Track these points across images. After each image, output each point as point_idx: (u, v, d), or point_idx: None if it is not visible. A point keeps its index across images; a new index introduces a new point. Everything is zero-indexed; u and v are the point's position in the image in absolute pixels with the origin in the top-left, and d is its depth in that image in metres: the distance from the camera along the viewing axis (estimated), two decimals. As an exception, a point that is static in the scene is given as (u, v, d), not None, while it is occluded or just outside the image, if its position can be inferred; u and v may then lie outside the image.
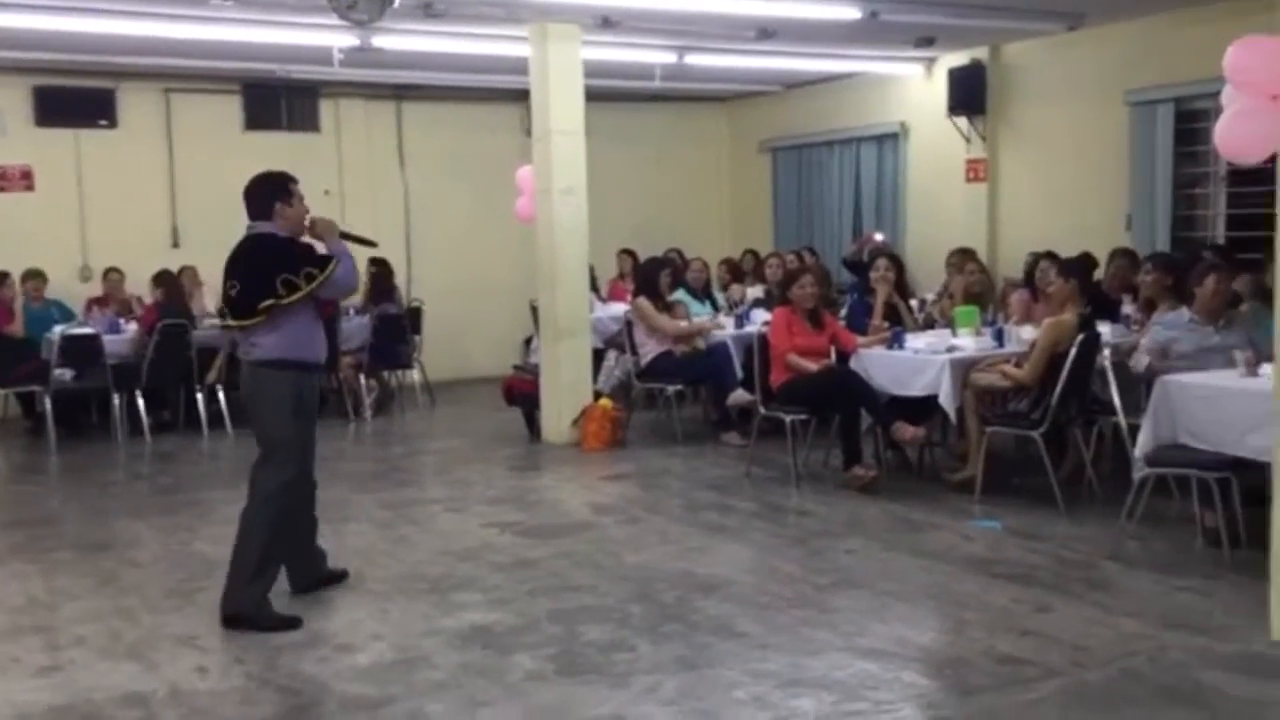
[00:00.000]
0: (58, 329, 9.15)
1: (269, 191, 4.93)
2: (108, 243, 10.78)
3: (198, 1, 7.36)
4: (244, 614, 4.70)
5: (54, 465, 8.51)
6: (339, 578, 5.28)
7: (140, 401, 9.25)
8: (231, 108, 11.37)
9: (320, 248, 4.95)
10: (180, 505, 7.05)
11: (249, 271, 4.82)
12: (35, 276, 9.91)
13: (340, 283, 4.91)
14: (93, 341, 9.08)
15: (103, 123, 10.78)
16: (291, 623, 4.71)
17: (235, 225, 12.10)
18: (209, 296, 10.48)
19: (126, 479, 8.16)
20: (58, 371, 8.97)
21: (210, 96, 11.19)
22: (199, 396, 9.46)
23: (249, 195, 4.96)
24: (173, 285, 9.65)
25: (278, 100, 11.50)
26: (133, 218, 10.91)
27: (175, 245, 11.07)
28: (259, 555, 4.77)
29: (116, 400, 9.21)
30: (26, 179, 10.45)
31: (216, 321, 9.86)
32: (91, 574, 5.60)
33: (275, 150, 11.39)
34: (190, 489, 7.56)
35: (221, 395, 9.49)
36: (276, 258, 4.80)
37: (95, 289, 10.52)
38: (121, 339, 9.36)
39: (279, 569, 4.92)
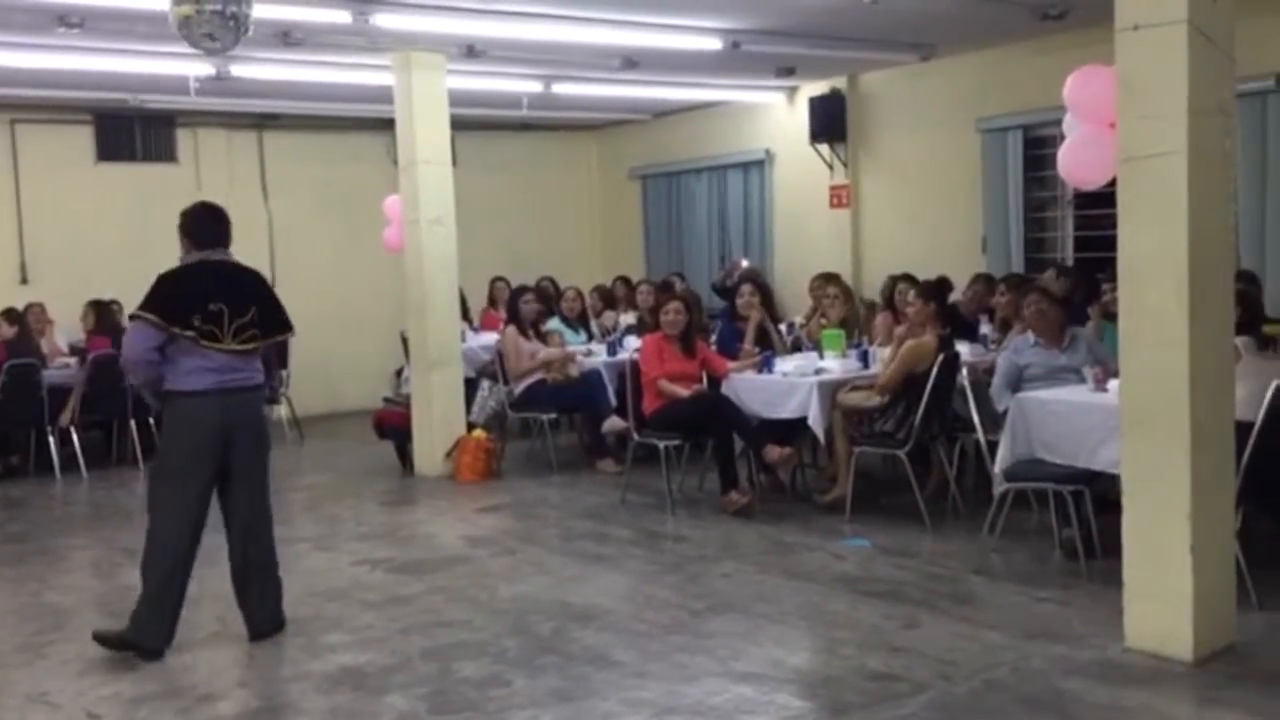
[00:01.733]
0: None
1: (227, 223, 5.00)
2: (-49, 280, 10.28)
3: (42, 29, 7.08)
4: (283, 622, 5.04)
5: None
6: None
7: (-14, 446, 8.81)
8: (83, 138, 10.98)
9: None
10: (30, 554, 6.71)
11: (259, 296, 4.96)
12: None
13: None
14: (-67, 384, 8.61)
15: (-58, 154, 10.29)
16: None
17: (87, 259, 11.75)
18: (59, 335, 10.07)
19: (-28, 528, 7.75)
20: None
21: (60, 127, 10.78)
22: (51, 439, 9.05)
23: (225, 224, 4.98)
24: (23, 324, 9.24)
25: (132, 130, 11.15)
26: None
27: (24, 281, 10.60)
28: (275, 564, 5.12)
29: (-39, 446, 8.75)
30: None
31: (69, 360, 9.50)
32: (-69, 631, 5.30)
33: (130, 182, 11.12)
34: (41, 536, 7.20)
35: (75, 437, 9.10)
36: (266, 283, 5.10)
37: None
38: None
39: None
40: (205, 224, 4.93)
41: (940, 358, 6.32)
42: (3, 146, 10.61)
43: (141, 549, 4.82)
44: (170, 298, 4.74)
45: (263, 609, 5.01)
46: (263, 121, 11.65)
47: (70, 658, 4.82)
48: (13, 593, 5.90)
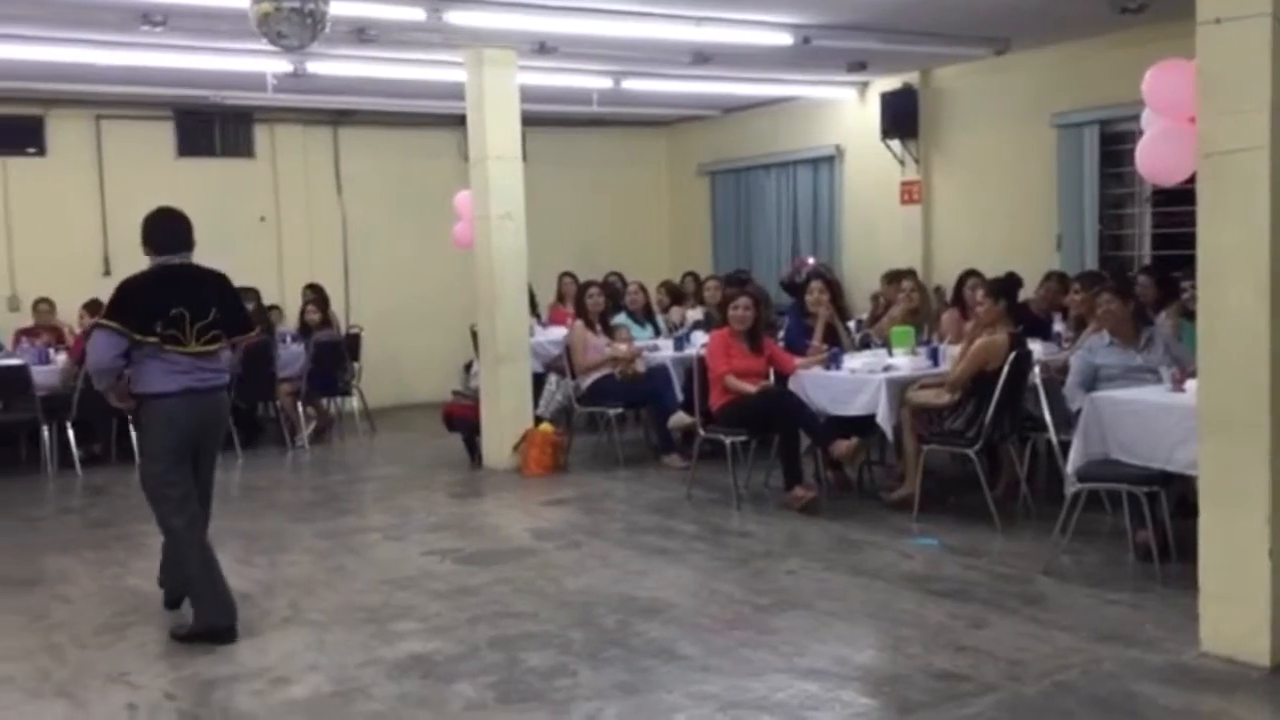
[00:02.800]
0: (-15, 361, 8.95)
1: (190, 229, 5.14)
2: (37, 272, 10.58)
3: (127, 28, 7.27)
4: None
5: (20, 500, 8.30)
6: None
7: (70, 433, 9.06)
8: (164, 134, 11.24)
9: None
10: (111, 539, 6.90)
11: (222, 296, 5.12)
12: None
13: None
14: (21, 373, 8.88)
15: (31, 150, 10.62)
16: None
17: (167, 253, 11.83)
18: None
19: (56, 513, 7.98)
20: (-19, 404, 8.77)
21: (142, 123, 11.06)
22: (130, 428, 9.28)
23: (187, 228, 5.11)
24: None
25: (211, 126, 11.40)
26: (63, 246, 10.72)
27: (107, 273, 10.84)
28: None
29: (46, 432, 9.01)
30: (-49, 208, 10.25)
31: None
32: (19, 611, 5.47)
33: (209, 177, 11.36)
34: (121, 522, 7.39)
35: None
36: (230, 285, 5.25)
37: (24, 319, 10.31)
38: (51, 370, 9.16)
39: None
40: (164, 229, 5.04)
41: (1012, 355, 6.24)
42: (88, 141, 10.91)
43: (162, 549, 5.12)
44: (132, 306, 4.86)
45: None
46: (338, 118, 11.84)
47: (148, 640, 4.96)
48: (94, 576, 6.07)
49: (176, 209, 5.17)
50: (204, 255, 11.96)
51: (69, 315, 10.00)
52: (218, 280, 5.18)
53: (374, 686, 4.34)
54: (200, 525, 5.03)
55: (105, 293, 10.04)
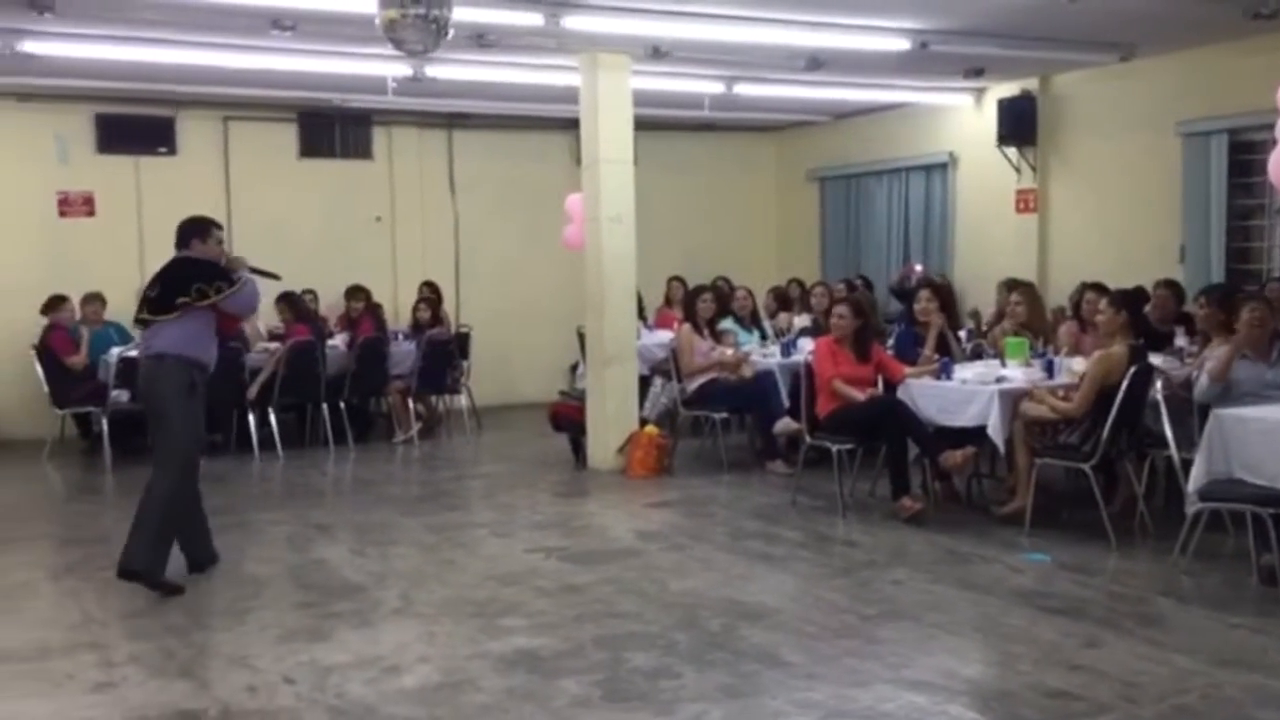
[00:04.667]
0: (114, 351, 9.32)
1: (190, 230, 5.89)
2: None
3: (257, 32, 7.52)
4: (141, 571, 5.45)
5: (109, 485, 8.65)
6: (215, 558, 6.06)
7: (194, 423, 9.38)
8: (287, 135, 11.59)
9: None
10: (231, 526, 7.12)
11: (171, 279, 5.73)
12: (94, 300, 10.10)
13: (241, 301, 5.83)
14: (148, 363, 9.23)
15: (162, 150, 11.02)
16: (176, 589, 5.52)
17: (287, 250, 12.40)
18: (259, 321, 10.66)
19: (179, 499, 8.27)
20: (114, 393, 9.12)
21: (267, 124, 11.42)
22: (250, 418, 9.60)
23: (178, 231, 5.91)
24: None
25: (332, 128, 11.72)
26: None
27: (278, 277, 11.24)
28: (159, 520, 5.54)
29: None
30: (88, 205, 10.69)
31: (269, 345, 10.08)
32: (144, 593, 5.65)
33: (328, 177, 11.69)
34: (240, 510, 7.65)
35: (272, 418, 9.63)
36: (197, 272, 5.72)
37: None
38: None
39: (173, 537, 5.68)
40: (178, 232, 5.93)
41: (1133, 369, 6.08)
42: (215, 142, 11.30)
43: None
44: None
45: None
46: (452, 121, 12.07)
47: (268, 624, 5.12)
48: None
49: (190, 216, 5.98)
50: (320, 253, 12.43)
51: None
52: (180, 264, 5.81)
53: (482, 679, 4.42)
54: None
55: (228, 288, 10.45)
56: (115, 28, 7.61)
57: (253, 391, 9.55)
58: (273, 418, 9.65)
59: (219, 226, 6.04)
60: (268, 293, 10.33)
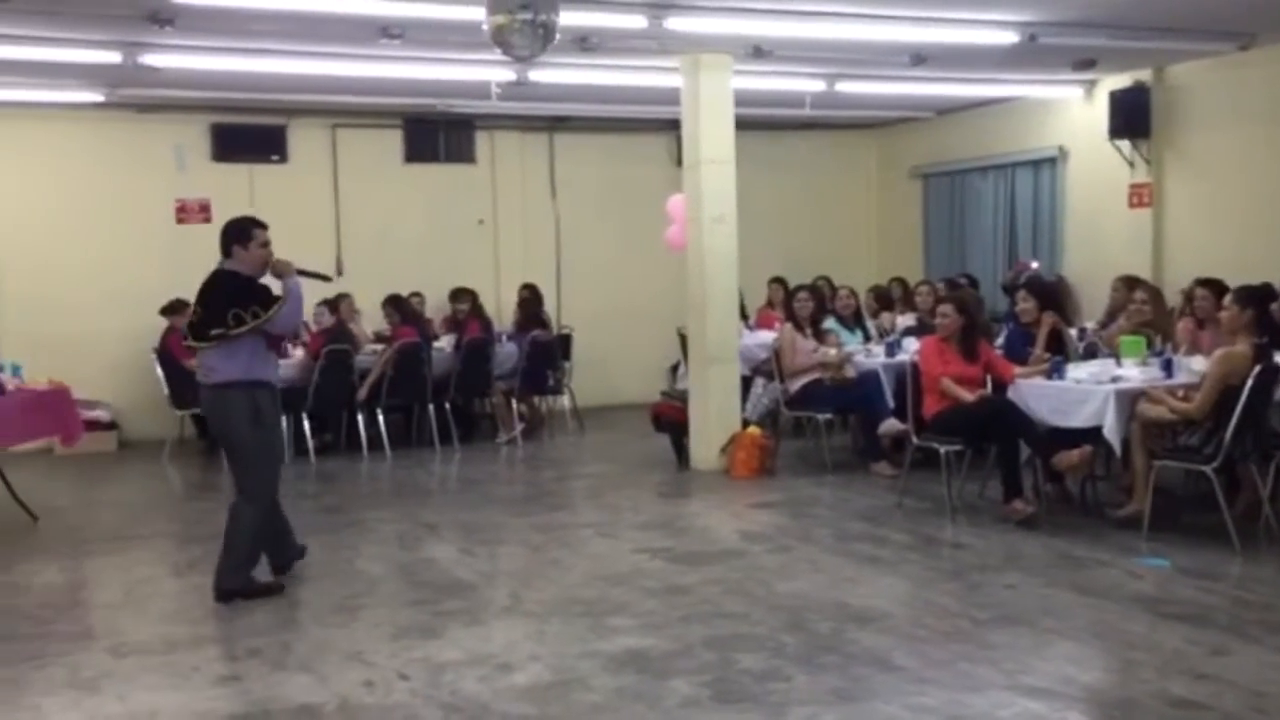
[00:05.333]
0: (230, 354, 9.57)
1: (231, 235, 5.64)
2: (277, 270, 11.28)
3: (366, 41, 7.68)
4: (237, 591, 5.54)
5: (226, 484, 8.85)
6: (303, 551, 6.12)
7: (306, 424, 9.64)
8: (393, 141, 11.82)
9: (278, 288, 5.64)
10: (343, 524, 7.31)
11: (210, 302, 5.52)
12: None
13: (282, 323, 5.61)
14: (263, 366, 9.48)
15: (274, 157, 11.33)
16: (277, 588, 5.69)
17: (393, 253, 12.60)
18: (366, 323, 10.91)
19: (294, 498, 8.37)
20: (229, 394, 9.37)
21: (373, 131, 11.66)
22: (359, 419, 9.81)
23: (221, 237, 5.68)
24: (338, 313, 10.08)
25: (436, 133, 11.92)
26: (301, 247, 11.14)
27: (340, 274, 11.50)
28: (248, 544, 5.62)
29: (284, 422, 9.59)
30: (204, 211, 11.03)
31: (376, 347, 10.30)
32: (263, 588, 5.85)
33: (433, 182, 11.89)
34: (352, 508, 7.83)
35: (380, 418, 9.82)
36: (233, 294, 5.49)
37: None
38: (290, 364, 9.75)
39: (260, 552, 5.76)
40: (221, 239, 5.68)
41: (1257, 369, 5.86)
42: (324, 148, 11.57)
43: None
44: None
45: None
46: (554, 124, 12.18)
47: (381, 621, 5.23)
48: (329, 559, 6.42)
49: (236, 217, 5.76)
50: (425, 256, 12.64)
51: (305, 313, 10.57)
52: (208, 286, 5.60)
53: (592, 678, 4.45)
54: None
55: (336, 293, 10.75)
56: (231, 40, 7.85)
57: (362, 393, 9.76)
58: (380, 418, 9.85)
59: (262, 226, 5.71)
60: (382, 290, 10.75)
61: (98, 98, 9.71)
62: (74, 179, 10.51)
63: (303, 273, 5.76)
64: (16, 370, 7.97)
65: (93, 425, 9.97)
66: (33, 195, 10.55)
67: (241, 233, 5.62)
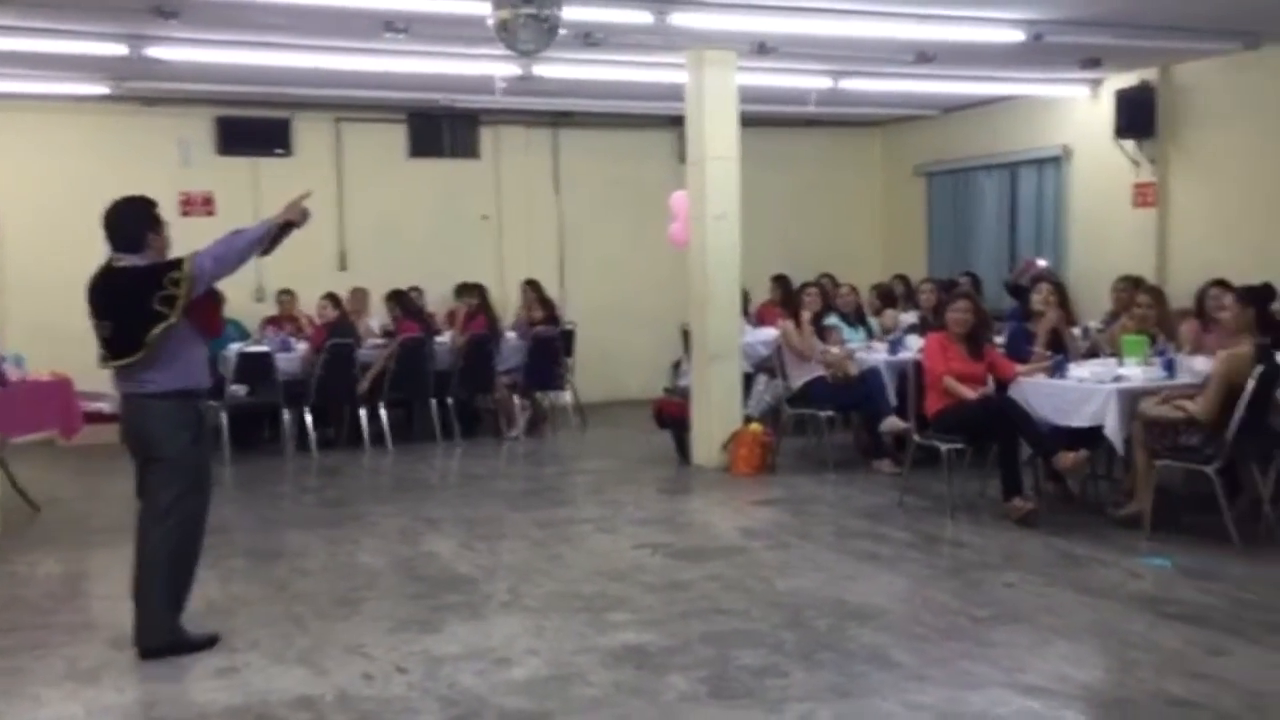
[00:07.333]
0: (233, 347, 9.61)
1: (142, 223, 4.74)
2: (281, 265, 11.18)
3: (371, 35, 7.68)
4: (166, 647, 4.68)
5: (228, 477, 8.91)
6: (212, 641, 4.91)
7: (308, 418, 9.65)
8: (397, 136, 11.82)
9: (170, 255, 4.76)
10: (345, 518, 7.32)
11: (121, 308, 4.63)
12: (213, 297, 10.39)
13: (208, 268, 4.60)
14: (266, 359, 9.51)
15: (279, 151, 11.33)
16: (211, 641, 4.79)
17: (397, 248, 12.58)
18: (373, 318, 10.91)
19: (295, 491, 8.52)
20: (233, 388, 9.41)
21: (377, 125, 11.66)
22: (362, 413, 9.83)
23: (117, 225, 4.73)
24: (341, 307, 10.08)
25: (440, 128, 11.91)
26: (304, 241, 11.07)
27: (343, 268, 11.53)
28: (169, 579, 4.74)
29: (287, 416, 9.63)
30: (208, 204, 11.04)
31: (380, 341, 10.30)
32: (264, 581, 5.87)
33: (436, 177, 11.90)
34: (354, 502, 7.84)
35: (382, 413, 9.83)
36: (143, 284, 4.60)
37: (269, 309, 11.03)
38: (292, 357, 9.78)
39: (190, 589, 4.88)
40: (109, 222, 4.74)
41: (1259, 369, 5.86)
42: (328, 143, 11.58)
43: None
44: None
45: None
46: (557, 119, 12.18)
47: (382, 614, 5.23)
48: (331, 552, 6.44)
49: (133, 198, 4.80)
50: (430, 251, 12.66)
51: (309, 306, 10.61)
52: (110, 292, 4.70)
53: (590, 673, 4.45)
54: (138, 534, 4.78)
55: (342, 286, 10.79)
56: (236, 32, 7.85)
57: (363, 386, 9.77)
58: (383, 412, 9.86)
59: (158, 204, 4.86)
60: (385, 284, 10.72)
61: (103, 90, 9.73)
62: (78, 171, 10.51)
63: (285, 229, 4.92)
64: (20, 361, 7.98)
65: (95, 417, 9.97)
66: (37, 187, 10.57)
67: (154, 219, 4.76)
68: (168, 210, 5.10)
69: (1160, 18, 8.06)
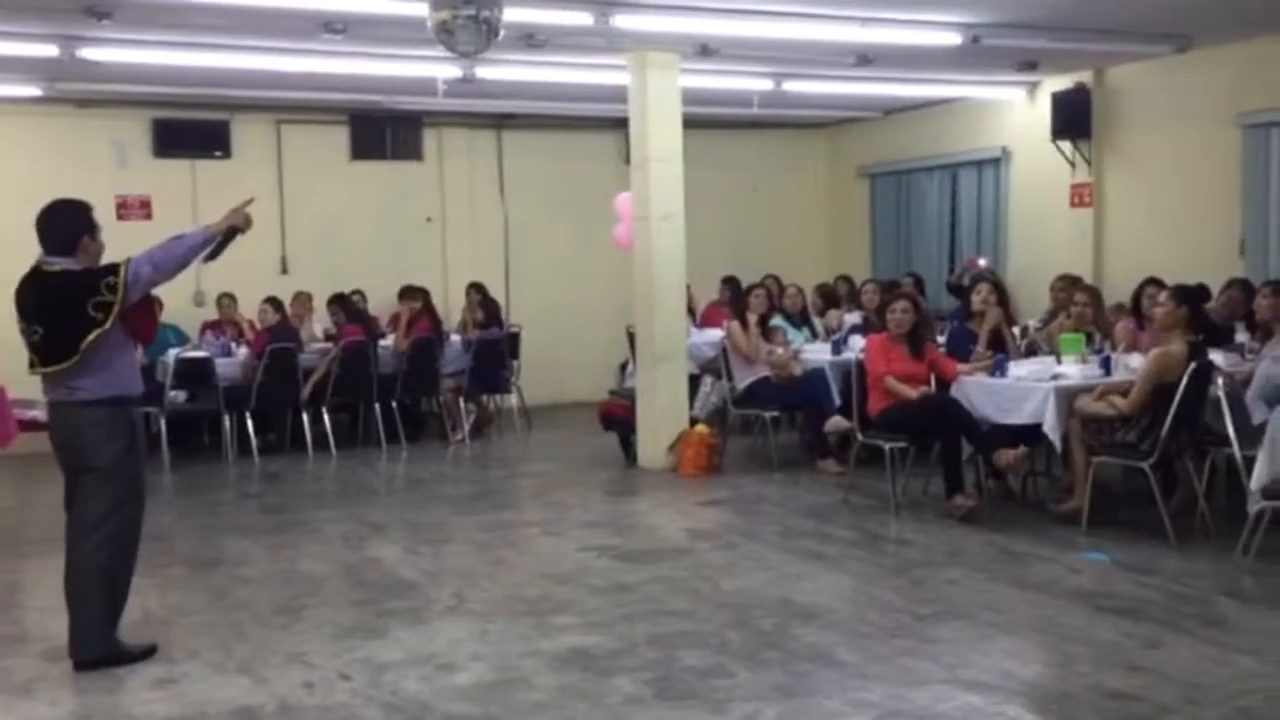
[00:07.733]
0: (172, 352, 9.46)
1: (79, 226, 4.63)
2: (221, 269, 11.04)
3: (309, 35, 7.60)
4: (102, 658, 4.59)
5: (168, 484, 8.77)
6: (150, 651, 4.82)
7: (249, 423, 9.52)
8: (338, 138, 11.69)
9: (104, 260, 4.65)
10: (287, 524, 7.23)
11: (54, 313, 4.53)
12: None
13: (145, 274, 4.50)
14: (205, 364, 9.38)
15: (218, 153, 11.15)
16: (149, 651, 4.71)
17: (339, 251, 12.43)
18: (315, 322, 10.79)
19: (236, 498, 8.40)
20: (172, 393, 9.27)
21: (319, 127, 11.53)
22: (304, 418, 9.71)
23: (51, 227, 4.63)
24: (283, 311, 9.96)
25: (383, 130, 11.80)
26: (245, 245, 10.86)
27: (284, 271, 11.39)
28: (104, 591, 4.62)
29: (227, 421, 9.49)
30: (145, 208, 10.84)
31: (322, 345, 10.19)
32: (204, 590, 5.78)
33: (379, 179, 11.79)
34: (296, 508, 7.74)
35: (325, 418, 9.73)
36: (77, 289, 4.49)
37: (209, 313, 10.86)
38: (232, 363, 9.63)
39: (125, 600, 4.77)
40: (42, 224, 4.64)
41: (1192, 367, 5.97)
42: (268, 145, 11.43)
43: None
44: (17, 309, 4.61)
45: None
46: (501, 121, 12.12)
47: (324, 622, 5.17)
48: (273, 559, 6.36)
49: (69, 201, 4.69)
50: (374, 254, 12.51)
51: (250, 310, 10.47)
52: (42, 296, 4.58)
53: (535, 677, 4.43)
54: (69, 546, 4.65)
55: (284, 290, 10.65)
56: (171, 33, 7.72)
57: (306, 391, 9.67)
58: (326, 417, 9.75)
59: (94, 208, 4.75)
60: (328, 288, 10.62)
61: (36, 92, 9.53)
62: (11, 175, 10.26)
63: (230, 235, 4.88)
64: (-49, 369, 7.78)
65: (30, 425, 9.74)
66: (-32, 191, 10.33)
67: (90, 223, 4.64)
68: (104, 214, 4.99)
69: (1094, 21, 8.19)
